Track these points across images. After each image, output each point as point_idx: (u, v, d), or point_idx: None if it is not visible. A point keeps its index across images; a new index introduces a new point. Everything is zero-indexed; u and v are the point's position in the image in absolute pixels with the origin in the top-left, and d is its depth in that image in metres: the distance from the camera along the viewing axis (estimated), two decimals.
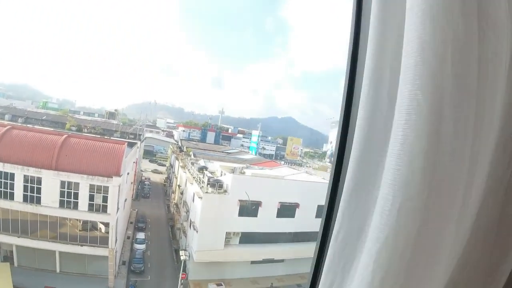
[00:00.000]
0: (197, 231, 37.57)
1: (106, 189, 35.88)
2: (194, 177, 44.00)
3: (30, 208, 35.26)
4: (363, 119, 1.22)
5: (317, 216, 42.16)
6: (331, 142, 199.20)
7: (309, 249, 29.70)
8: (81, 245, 36.17)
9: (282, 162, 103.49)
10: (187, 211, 44.23)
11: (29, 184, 35.12)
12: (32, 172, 35.03)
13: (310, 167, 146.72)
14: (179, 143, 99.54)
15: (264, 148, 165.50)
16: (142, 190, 70.04)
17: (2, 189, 35.22)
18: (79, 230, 36.62)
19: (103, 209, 35.80)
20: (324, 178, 57.02)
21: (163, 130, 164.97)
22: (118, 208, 37.20)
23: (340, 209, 1.33)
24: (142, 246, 44.53)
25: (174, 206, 57.28)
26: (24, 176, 35.07)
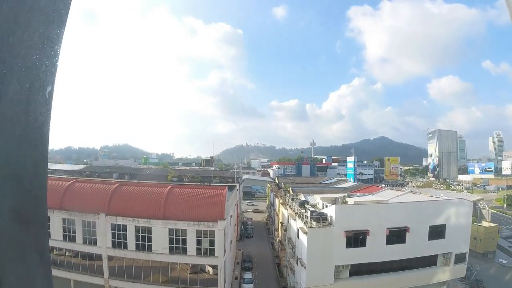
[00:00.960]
0: (305, 267, 36.67)
1: (212, 233, 36.89)
2: (296, 213, 43.54)
3: (142, 255, 37.86)
4: None
5: (430, 238, 39.36)
6: (431, 155, 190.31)
7: (424, 276, 27.48)
8: None
9: (383, 185, 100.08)
10: (293, 248, 43.65)
11: (140, 234, 37.80)
12: (142, 222, 37.51)
13: (413, 185, 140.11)
14: (276, 181, 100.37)
15: (361, 173, 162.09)
16: (245, 231, 71.31)
17: (116, 240, 38.52)
18: (189, 274, 37.98)
19: (211, 252, 36.82)
20: (431, 196, 53.54)
21: (258, 170, 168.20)
22: (225, 251, 37.91)
23: None
24: (250, 286, 44.86)
25: (279, 243, 57.04)
26: (135, 226, 37.76)
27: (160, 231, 37.25)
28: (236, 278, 47.25)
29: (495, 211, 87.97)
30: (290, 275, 44.51)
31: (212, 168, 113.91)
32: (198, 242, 36.90)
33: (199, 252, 36.91)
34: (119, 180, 64.44)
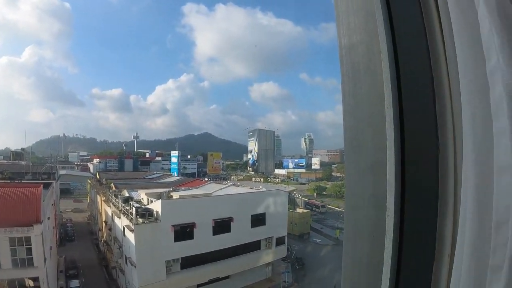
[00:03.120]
0: (135, 266, 35.92)
1: (28, 240, 32.97)
2: (120, 210, 42.22)
3: None
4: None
5: (253, 225, 42.96)
6: (251, 151, 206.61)
7: (250, 260, 30.70)
8: None
9: (207, 179, 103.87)
10: (120, 247, 42.33)
11: None
12: None
13: (235, 179, 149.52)
14: (97, 176, 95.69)
15: (185, 168, 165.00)
16: (66, 234, 66.01)
17: None
18: None
19: (29, 262, 32.83)
20: (251, 188, 58.06)
21: (77, 165, 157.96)
22: (45, 259, 34.47)
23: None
24: None
25: (104, 244, 54.61)
26: None
27: None
28: None
29: (307, 199, 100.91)
30: (121, 276, 42.97)
31: (23, 163, 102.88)
32: (13, 252, 32.51)
33: (15, 263, 32.31)
34: None
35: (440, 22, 1.38)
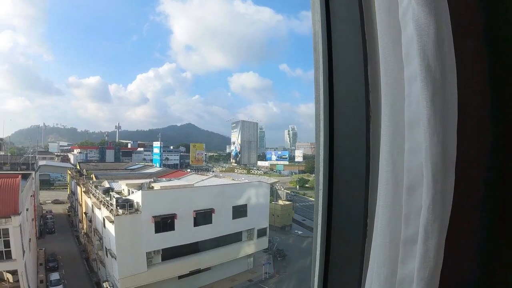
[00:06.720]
0: (115, 258, 35.66)
1: (6, 232, 32.30)
2: (100, 201, 41.74)
3: None
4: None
5: (234, 217, 43.05)
6: (234, 143, 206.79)
7: (232, 252, 30.88)
8: None
9: (189, 170, 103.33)
10: (100, 239, 41.95)
11: None
12: None
13: (217, 170, 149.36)
14: (78, 167, 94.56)
15: (167, 159, 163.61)
16: (46, 226, 64.92)
17: None
18: None
19: (7, 255, 32.11)
20: (233, 179, 58.16)
21: (57, 155, 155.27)
22: (24, 251, 33.99)
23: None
24: None
25: (84, 236, 54.06)
26: None
27: None
28: (41, 281, 41.86)
29: (289, 192, 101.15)
30: (101, 268, 42.53)
31: (1, 153, 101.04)
32: None
33: None
34: None
35: None
